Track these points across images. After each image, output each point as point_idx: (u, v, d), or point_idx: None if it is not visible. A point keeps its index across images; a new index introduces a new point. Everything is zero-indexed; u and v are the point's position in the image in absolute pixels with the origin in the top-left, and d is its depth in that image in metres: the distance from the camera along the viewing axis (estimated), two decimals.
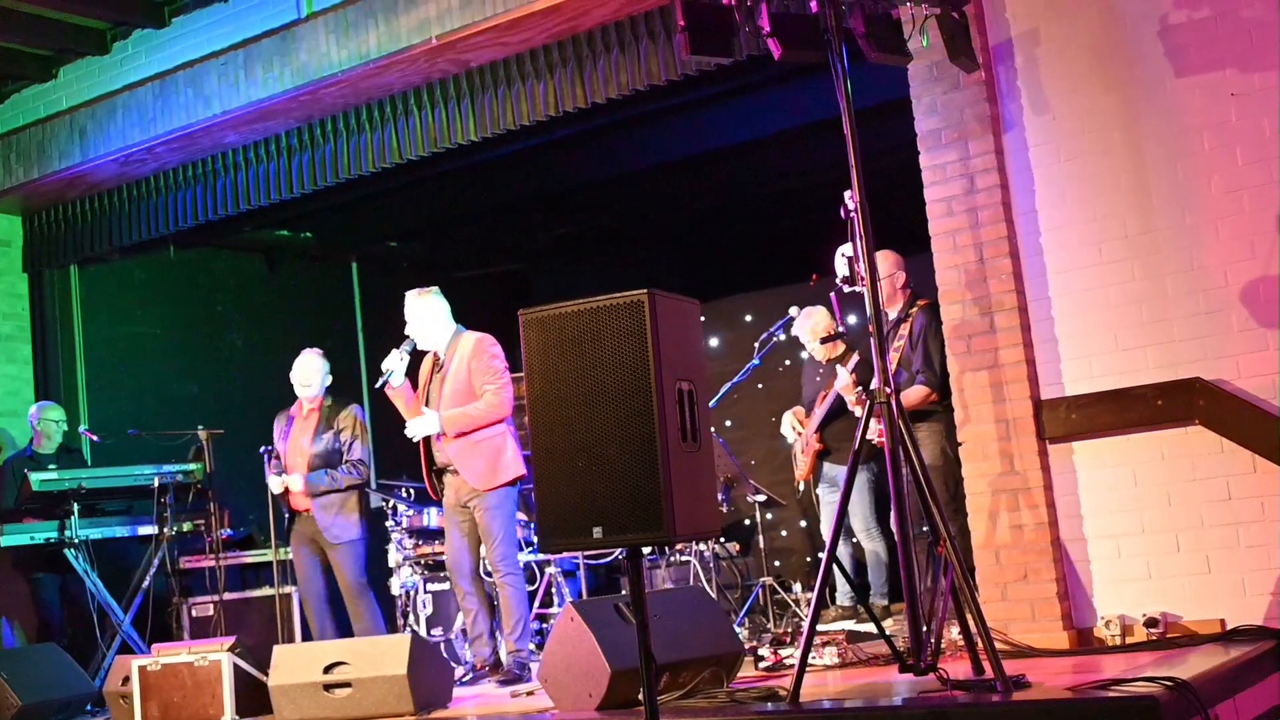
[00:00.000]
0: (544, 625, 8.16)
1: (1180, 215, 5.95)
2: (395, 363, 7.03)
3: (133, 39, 8.96)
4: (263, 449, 7.96)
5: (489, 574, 7.14)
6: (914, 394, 6.75)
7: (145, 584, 8.67)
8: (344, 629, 7.77)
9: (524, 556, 8.31)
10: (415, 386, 7.20)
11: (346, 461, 7.72)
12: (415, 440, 7.04)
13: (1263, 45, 5.79)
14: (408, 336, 7.13)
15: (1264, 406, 5.71)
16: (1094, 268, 6.14)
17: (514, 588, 6.90)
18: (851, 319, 7.32)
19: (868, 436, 5.34)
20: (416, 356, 7.24)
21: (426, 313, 7.12)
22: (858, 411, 7.28)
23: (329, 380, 7.96)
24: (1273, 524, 5.69)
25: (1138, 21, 6.08)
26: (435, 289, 7.22)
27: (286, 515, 7.81)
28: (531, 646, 7.38)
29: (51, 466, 8.85)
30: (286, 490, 7.73)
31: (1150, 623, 5.83)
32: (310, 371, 7.86)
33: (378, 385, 7.12)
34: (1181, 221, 5.94)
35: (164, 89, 8.72)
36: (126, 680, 6.64)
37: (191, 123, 8.59)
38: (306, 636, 8.43)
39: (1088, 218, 6.16)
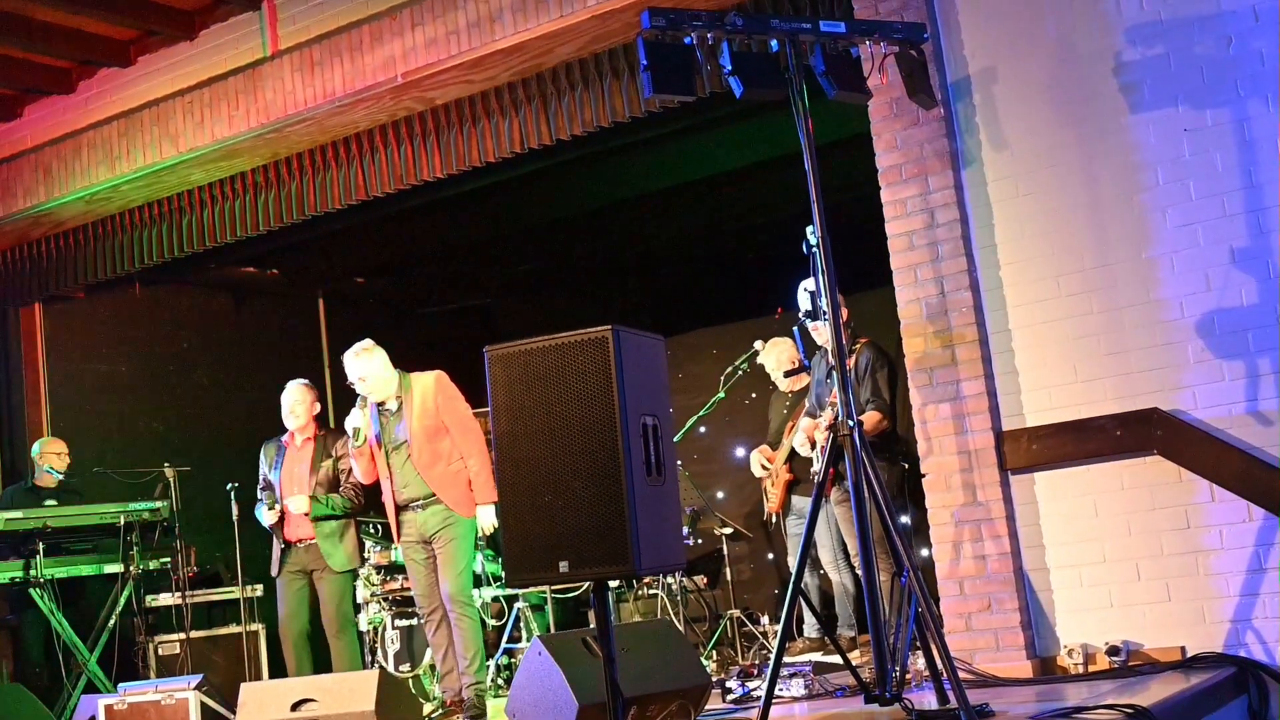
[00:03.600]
0: (513, 660, 8.16)
1: (1137, 249, 6.04)
2: (359, 420, 7.07)
3: (98, 77, 8.96)
4: (230, 485, 7.93)
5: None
6: (868, 419, 6.82)
7: (111, 623, 8.61)
8: (321, 669, 7.65)
9: (492, 590, 8.33)
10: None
11: (344, 491, 7.66)
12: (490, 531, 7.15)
13: (1214, 82, 5.91)
14: (361, 395, 7.13)
15: (1221, 437, 5.79)
16: (1053, 300, 6.22)
17: (472, 619, 6.94)
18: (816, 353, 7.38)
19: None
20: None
21: (374, 367, 7.09)
22: (804, 451, 7.38)
23: (317, 409, 7.90)
24: (1231, 552, 5.76)
25: (1093, 59, 6.19)
26: (370, 341, 7.18)
27: (280, 547, 7.64)
28: (501, 681, 7.38)
29: (50, 502, 8.81)
30: (281, 521, 7.63)
31: (1112, 651, 5.89)
32: (297, 404, 7.79)
33: (355, 446, 7.13)
34: (1138, 255, 6.04)
35: (130, 127, 8.73)
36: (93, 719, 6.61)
37: (157, 161, 8.60)
38: (274, 673, 8.40)
39: (1046, 251, 6.25)
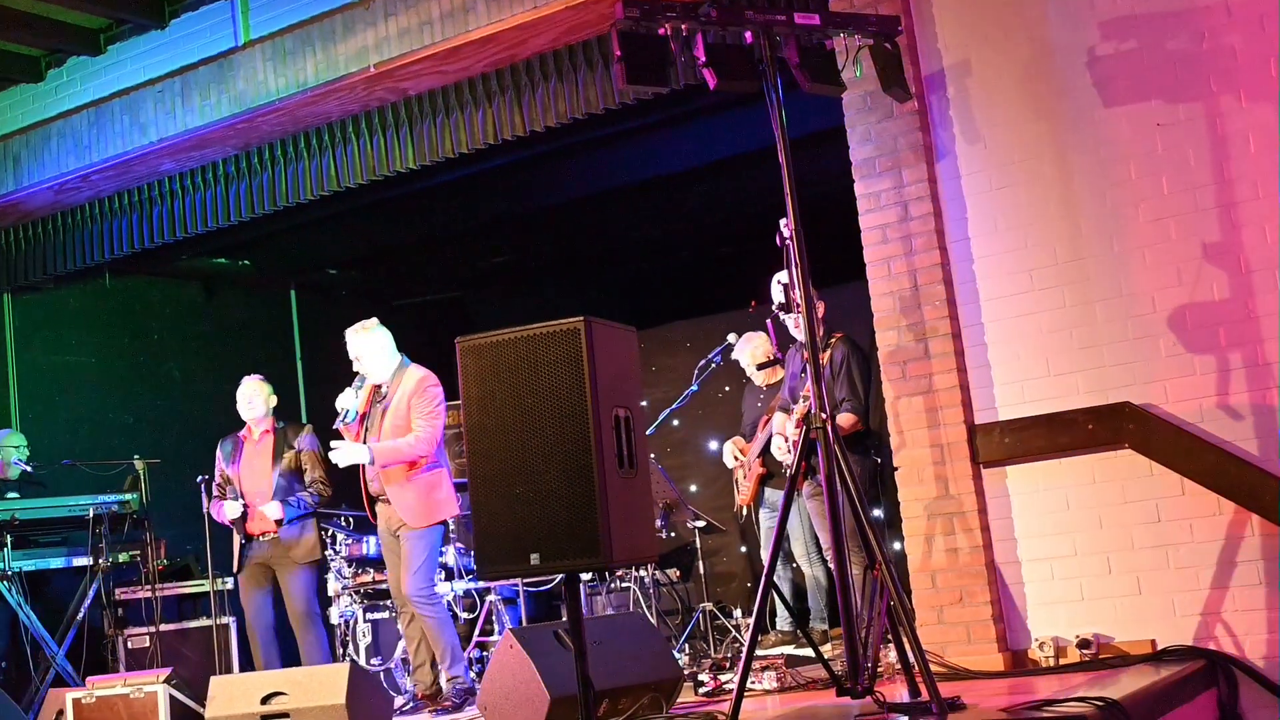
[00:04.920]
0: (484, 653, 8.14)
1: (1109, 243, 6.05)
2: (350, 400, 7.04)
3: (68, 66, 8.89)
4: (200, 478, 7.89)
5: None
6: (844, 420, 6.82)
7: (80, 616, 8.54)
8: (290, 662, 7.62)
9: (463, 584, 8.31)
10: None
11: (311, 483, 7.65)
12: (341, 467, 7.04)
13: (1187, 77, 5.92)
14: (358, 374, 7.11)
15: (1192, 430, 5.81)
16: (1026, 294, 6.23)
17: (433, 617, 6.89)
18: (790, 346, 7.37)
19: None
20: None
21: (371, 347, 7.08)
22: (781, 456, 7.37)
23: (274, 403, 7.89)
24: (1201, 545, 5.78)
25: (1067, 53, 6.19)
26: (375, 321, 7.18)
27: (241, 541, 7.63)
28: (473, 675, 7.35)
29: (12, 495, 8.74)
30: (243, 516, 7.59)
31: (1083, 644, 5.90)
32: (254, 395, 7.78)
33: (336, 424, 7.11)
34: (1110, 249, 6.05)
35: (100, 116, 8.67)
36: (61, 714, 6.55)
37: (128, 150, 8.54)
38: (244, 667, 8.35)
39: (1019, 245, 6.25)
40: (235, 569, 7.68)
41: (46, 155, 8.89)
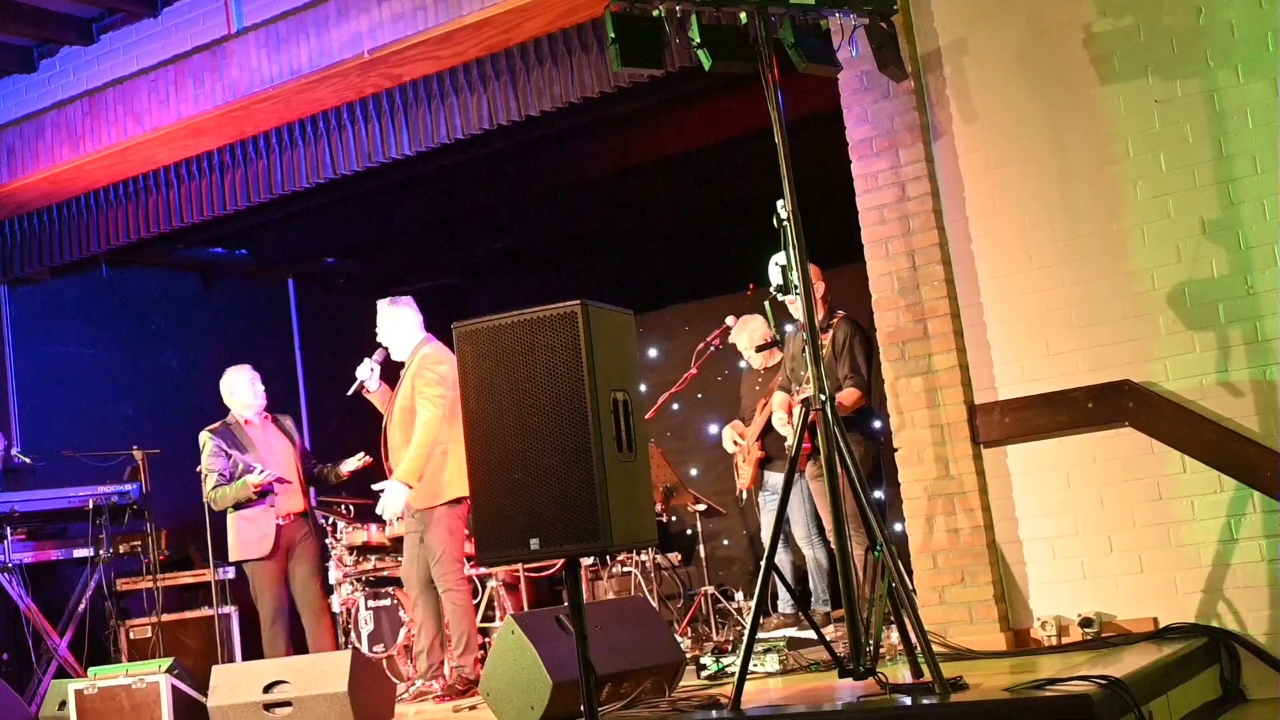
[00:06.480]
0: (486, 639, 8.13)
1: (1107, 221, 6.03)
2: (365, 371, 7.10)
3: (60, 56, 8.87)
4: (199, 468, 7.86)
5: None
6: (848, 396, 6.80)
7: (81, 607, 8.55)
8: (295, 652, 7.57)
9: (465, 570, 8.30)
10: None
11: (323, 467, 7.76)
12: (393, 511, 6.96)
13: (1184, 52, 5.90)
14: (381, 345, 7.16)
15: (1192, 407, 5.80)
16: (1024, 273, 6.21)
17: (456, 604, 6.89)
18: (789, 328, 7.35)
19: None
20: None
21: (387, 322, 7.20)
22: (783, 429, 7.34)
23: None
24: (1203, 523, 5.77)
25: (1063, 30, 6.17)
26: (406, 299, 7.28)
27: (278, 523, 7.49)
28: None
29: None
30: (269, 496, 7.51)
31: (1085, 622, 5.89)
32: (253, 379, 7.83)
33: (350, 392, 7.14)
34: (1108, 227, 6.03)
35: (93, 106, 8.64)
36: (63, 705, 6.56)
37: (122, 140, 8.51)
38: (246, 656, 8.36)
39: (1017, 224, 6.24)
40: (266, 552, 7.46)
41: (41, 146, 8.86)
